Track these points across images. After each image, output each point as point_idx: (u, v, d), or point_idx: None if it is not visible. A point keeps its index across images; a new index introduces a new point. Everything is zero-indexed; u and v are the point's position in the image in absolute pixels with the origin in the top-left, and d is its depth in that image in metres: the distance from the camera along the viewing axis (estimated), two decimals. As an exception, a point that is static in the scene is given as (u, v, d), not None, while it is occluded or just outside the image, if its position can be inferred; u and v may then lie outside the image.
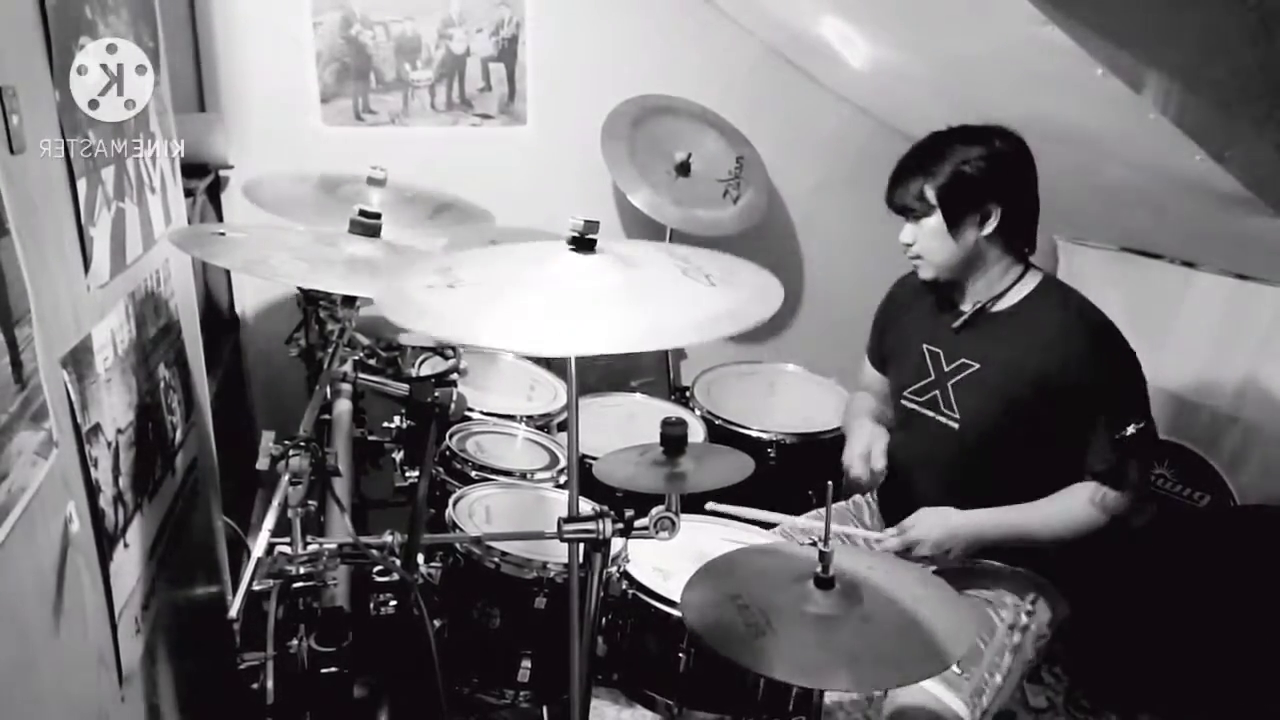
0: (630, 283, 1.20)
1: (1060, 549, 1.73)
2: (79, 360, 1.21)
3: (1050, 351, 1.65)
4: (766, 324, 1.19)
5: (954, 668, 1.59)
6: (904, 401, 1.87)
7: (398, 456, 2.17)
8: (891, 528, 1.76)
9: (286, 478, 1.31)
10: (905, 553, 1.69)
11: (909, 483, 1.87)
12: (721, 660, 1.20)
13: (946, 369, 1.79)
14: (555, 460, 2.16)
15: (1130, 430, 1.62)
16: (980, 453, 1.73)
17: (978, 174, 1.67)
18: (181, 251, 1.78)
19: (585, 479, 1.41)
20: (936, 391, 1.80)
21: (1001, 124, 1.70)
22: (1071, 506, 1.67)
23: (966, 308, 1.78)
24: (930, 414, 1.80)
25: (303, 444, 1.32)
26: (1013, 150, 1.69)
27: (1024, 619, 1.73)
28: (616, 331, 1.15)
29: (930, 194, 1.69)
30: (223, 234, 1.58)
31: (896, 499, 1.93)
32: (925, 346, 1.83)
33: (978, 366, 1.74)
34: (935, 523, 1.70)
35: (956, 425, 1.76)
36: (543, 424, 2.35)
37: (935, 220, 1.71)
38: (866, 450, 1.86)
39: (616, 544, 1.45)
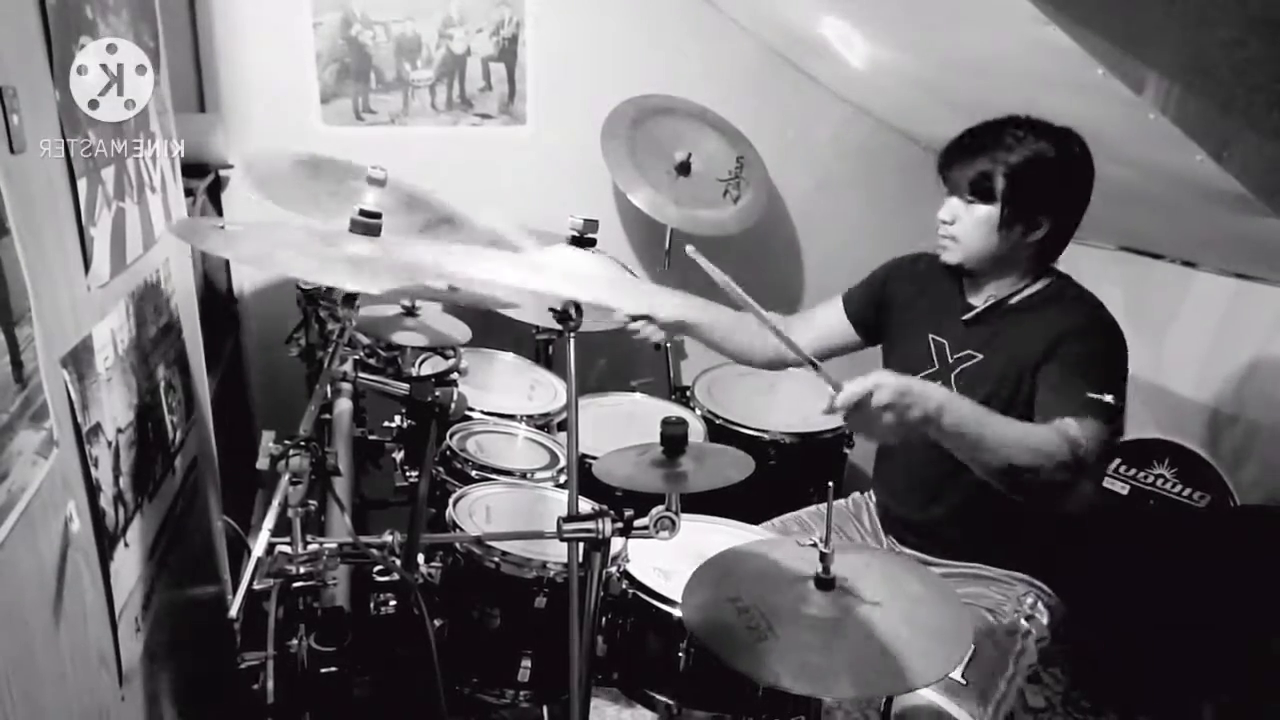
0: (626, 273, 1.22)
1: (1006, 467, 1.51)
2: (79, 360, 1.21)
3: (1052, 339, 1.64)
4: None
5: (959, 678, 1.58)
6: None
7: (398, 456, 2.17)
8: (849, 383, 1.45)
9: (286, 477, 1.31)
10: (862, 404, 1.39)
11: (908, 478, 1.87)
12: (720, 660, 1.20)
13: (951, 360, 1.78)
14: (555, 460, 2.16)
15: (1107, 398, 1.55)
16: None
17: (1048, 181, 1.62)
18: (184, 242, 1.77)
19: (585, 479, 1.41)
20: (940, 382, 1.78)
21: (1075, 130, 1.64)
22: (1037, 428, 1.54)
23: (978, 302, 1.76)
24: None
25: (303, 444, 1.32)
26: (1084, 168, 1.64)
27: (1024, 624, 1.73)
28: (608, 287, 1.18)
29: (998, 184, 1.63)
30: (223, 228, 1.57)
31: (894, 495, 1.93)
32: (931, 337, 1.82)
33: (981, 357, 1.74)
34: (904, 379, 1.44)
35: None
36: (543, 423, 2.35)
37: (988, 211, 1.66)
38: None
39: (616, 544, 1.45)
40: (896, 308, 1.92)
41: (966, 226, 1.69)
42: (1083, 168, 1.65)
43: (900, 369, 1.86)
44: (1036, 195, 1.64)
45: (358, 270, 1.45)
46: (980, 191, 1.66)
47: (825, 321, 2.01)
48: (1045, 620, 1.77)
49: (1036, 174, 1.62)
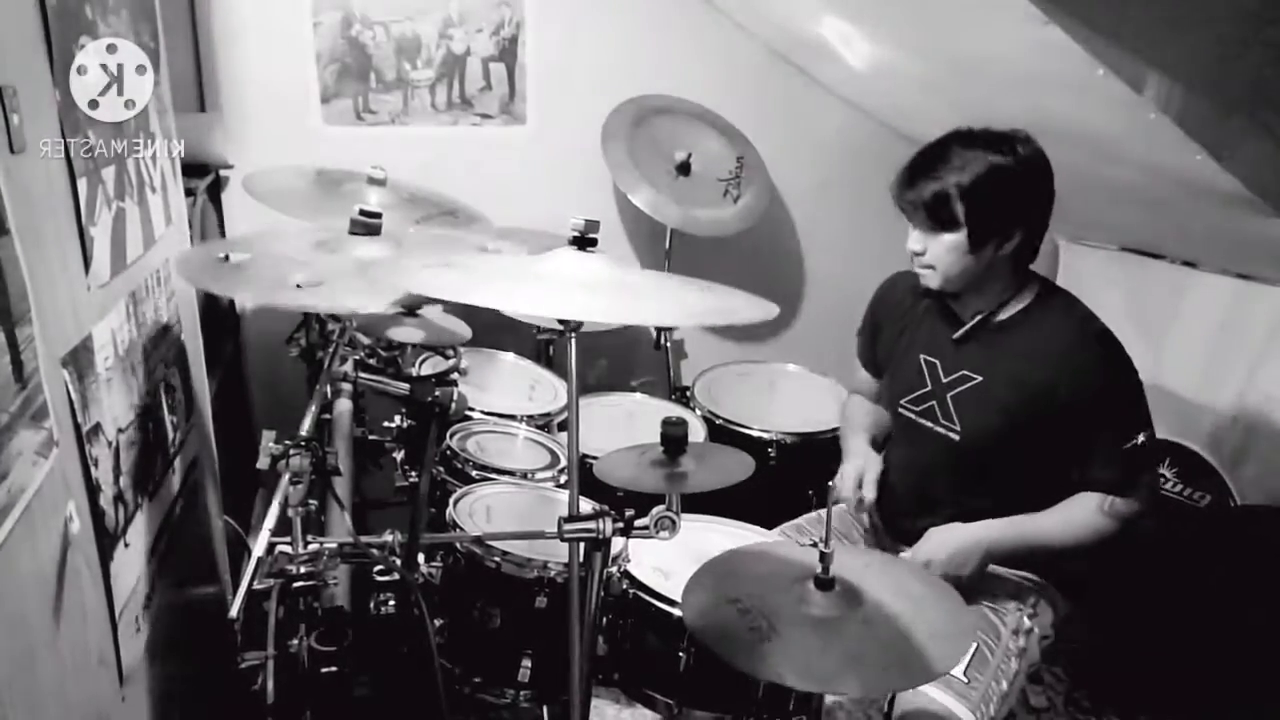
0: (626, 277, 1.25)
1: (1066, 554, 1.71)
2: (79, 360, 1.21)
3: (1055, 364, 1.62)
4: (767, 323, 1.20)
5: (961, 676, 1.58)
6: (901, 411, 1.84)
7: (398, 456, 2.17)
8: (905, 551, 1.73)
9: (287, 477, 1.31)
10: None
11: (907, 491, 1.86)
12: (721, 660, 1.20)
13: (945, 380, 1.76)
14: (556, 460, 2.16)
15: (1141, 439, 1.60)
16: (980, 463, 1.72)
17: (1007, 191, 1.58)
18: (183, 242, 1.77)
19: (585, 479, 1.41)
20: (934, 402, 1.77)
21: (1021, 129, 1.60)
22: (1081, 515, 1.64)
23: (967, 319, 1.73)
24: (928, 424, 1.78)
25: (303, 443, 1.33)
26: (1040, 167, 1.60)
27: (1027, 622, 1.72)
28: (609, 304, 1.19)
29: (957, 208, 1.59)
30: (226, 257, 1.54)
31: (895, 507, 1.93)
32: (922, 357, 1.80)
33: (980, 379, 1.71)
34: (943, 541, 1.67)
35: (957, 436, 1.74)
36: (543, 423, 2.35)
37: (957, 237, 1.61)
38: (858, 477, 1.83)
39: (617, 544, 1.45)
40: (886, 331, 1.92)
41: (938, 254, 1.65)
42: (1039, 166, 1.60)
43: (893, 391, 1.88)
44: (999, 209, 1.59)
45: (363, 287, 1.45)
46: (941, 218, 1.60)
47: (862, 384, 2.08)
48: (1049, 619, 1.76)
49: (993, 188, 1.57)
